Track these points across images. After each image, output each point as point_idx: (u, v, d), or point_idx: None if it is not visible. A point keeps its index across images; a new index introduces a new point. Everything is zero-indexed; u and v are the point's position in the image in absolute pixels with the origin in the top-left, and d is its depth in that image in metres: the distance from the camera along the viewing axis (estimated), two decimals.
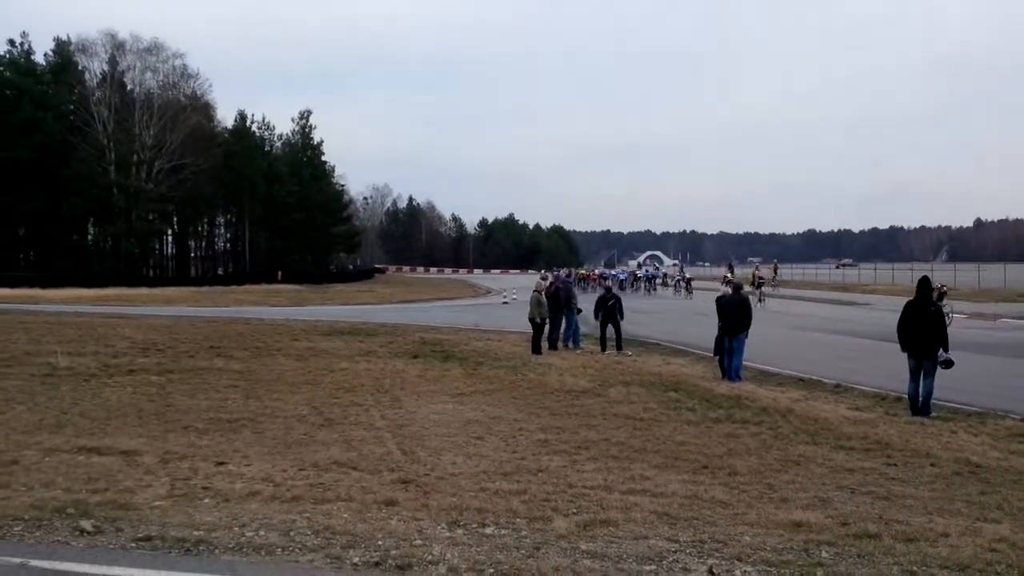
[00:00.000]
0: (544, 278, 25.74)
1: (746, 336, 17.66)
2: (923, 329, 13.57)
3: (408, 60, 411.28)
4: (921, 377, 13.55)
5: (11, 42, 76.53)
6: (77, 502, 7.52)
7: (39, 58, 79.16)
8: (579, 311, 24.34)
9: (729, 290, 18.68)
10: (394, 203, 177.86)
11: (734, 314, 17.67)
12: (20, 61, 75.80)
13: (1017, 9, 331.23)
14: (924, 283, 14.35)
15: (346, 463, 9.49)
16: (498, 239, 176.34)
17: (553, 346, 22.93)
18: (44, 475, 8.62)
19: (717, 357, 18.27)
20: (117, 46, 77.41)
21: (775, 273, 65.82)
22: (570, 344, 23.67)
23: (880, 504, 8.12)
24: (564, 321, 23.85)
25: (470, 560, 6.19)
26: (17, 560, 6.01)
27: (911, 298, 14.33)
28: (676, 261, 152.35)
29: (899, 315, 14.23)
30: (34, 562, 5.98)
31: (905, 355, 13.93)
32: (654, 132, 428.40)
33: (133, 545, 6.48)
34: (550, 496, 8.13)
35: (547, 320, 22.86)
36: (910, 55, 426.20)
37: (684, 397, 14.96)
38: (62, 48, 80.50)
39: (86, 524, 6.87)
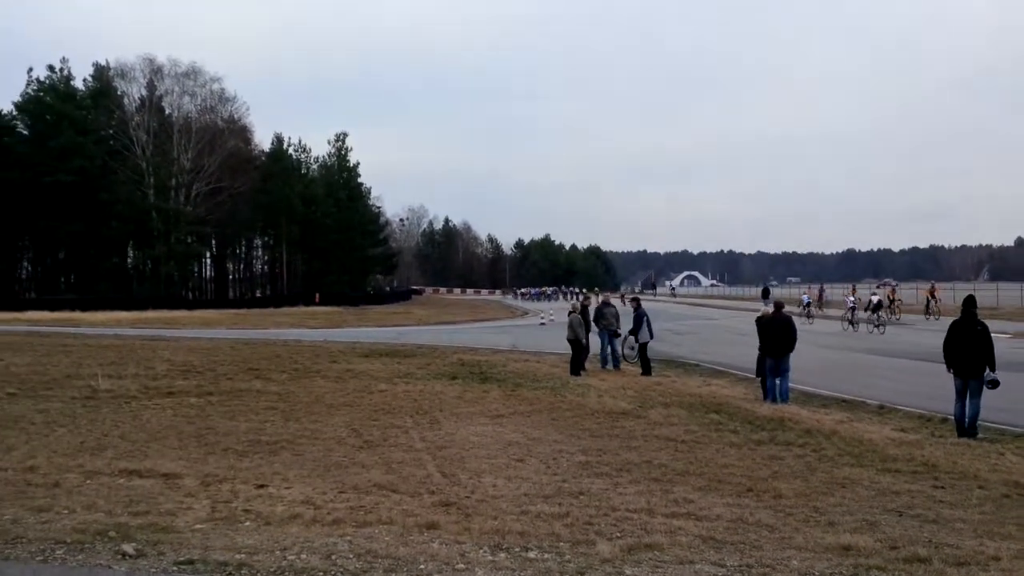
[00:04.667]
0: (580, 299, 25.69)
1: (789, 357, 17.44)
2: (969, 348, 13.37)
3: (444, 80, 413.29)
4: (967, 397, 13.34)
5: (51, 68, 77.95)
6: (119, 525, 7.52)
7: (79, 83, 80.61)
8: (618, 334, 24.08)
9: (770, 310, 18.51)
10: (430, 224, 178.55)
11: (778, 335, 17.45)
12: (60, 87, 77.05)
13: None
14: (969, 302, 14.15)
15: (386, 485, 9.44)
16: (534, 260, 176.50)
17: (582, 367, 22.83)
18: (86, 498, 8.64)
19: (759, 378, 18.06)
20: (155, 71, 78.63)
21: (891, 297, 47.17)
22: (608, 366, 23.53)
23: (929, 527, 7.96)
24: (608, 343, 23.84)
25: None
26: None
27: (956, 318, 14.13)
28: (714, 281, 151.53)
29: (944, 335, 14.04)
30: None
31: (951, 375, 13.73)
32: (692, 150, 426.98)
33: (175, 569, 6.45)
34: (592, 519, 8.03)
35: (586, 341, 22.80)
36: (950, 70, 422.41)
37: (726, 419, 14.81)
38: (101, 73, 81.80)
39: (128, 548, 6.86)
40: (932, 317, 41.35)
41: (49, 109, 74.02)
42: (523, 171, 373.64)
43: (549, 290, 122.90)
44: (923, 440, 12.87)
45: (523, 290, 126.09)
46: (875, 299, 39.18)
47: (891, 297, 46.72)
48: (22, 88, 78.06)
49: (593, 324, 24.37)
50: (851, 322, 39.78)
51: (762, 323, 18.19)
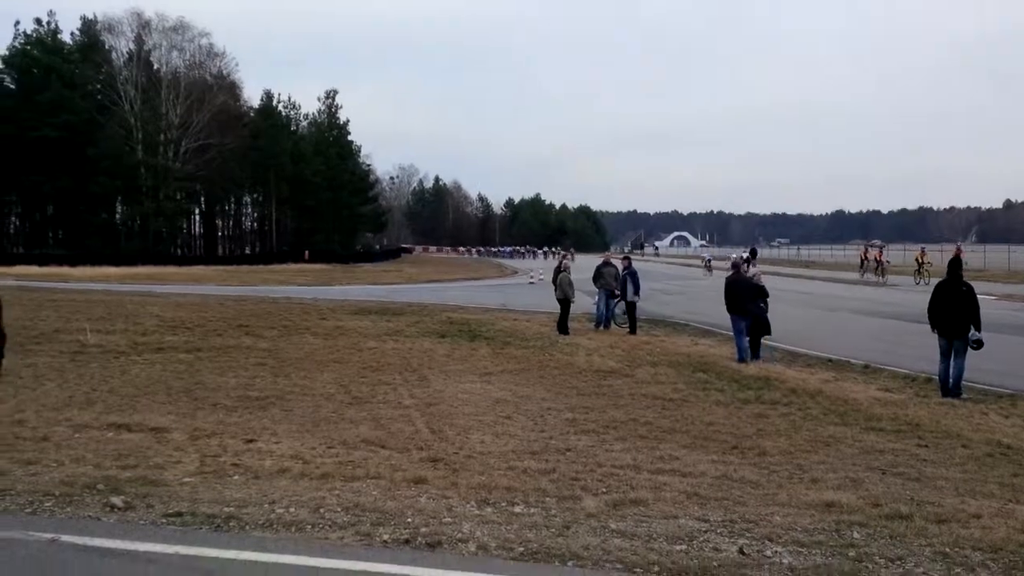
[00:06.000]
0: (563, 257, 25.55)
1: (750, 318, 17.51)
2: (954, 309, 13.43)
3: (436, 41, 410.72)
4: (952, 357, 13.43)
5: (38, 21, 76.96)
6: (107, 478, 7.57)
7: (66, 37, 79.60)
8: (616, 295, 23.82)
9: (758, 271, 18.62)
10: (420, 183, 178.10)
11: (738, 295, 17.64)
12: (47, 40, 76.09)
13: None
14: (955, 263, 14.20)
15: (375, 441, 9.50)
16: (524, 219, 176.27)
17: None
18: (74, 451, 8.68)
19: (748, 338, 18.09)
20: (143, 25, 77.79)
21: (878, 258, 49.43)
22: (602, 326, 23.52)
23: (912, 485, 8.05)
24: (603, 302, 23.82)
25: (499, 538, 6.18)
26: (48, 535, 6.04)
27: (942, 279, 14.19)
28: (703, 242, 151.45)
29: (930, 296, 14.11)
30: (65, 537, 6.02)
31: (935, 336, 13.81)
32: (682, 113, 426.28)
33: (163, 521, 6.51)
34: (579, 475, 8.11)
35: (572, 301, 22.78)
36: (939, 34, 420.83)
37: (713, 378, 14.88)
38: (89, 27, 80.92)
39: (116, 500, 6.91)
40: (923, 280, 41.21)
41: (36, 63, 73.15)
42: (515, 132, 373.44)
43: (522, 249, 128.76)
44: (907, 400, 12.96)
45: (495, 249, 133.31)
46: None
47: (878, 259, 47.06)
48: (8, 42, 77.35)
49: (592, 283, 24.37)
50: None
51: (726, 283, 18.28)
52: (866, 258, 48.39)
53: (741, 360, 16.92)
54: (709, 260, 63.08)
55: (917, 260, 43.38)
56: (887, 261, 48.29)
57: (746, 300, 17.55)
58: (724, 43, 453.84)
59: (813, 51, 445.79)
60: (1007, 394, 13.51)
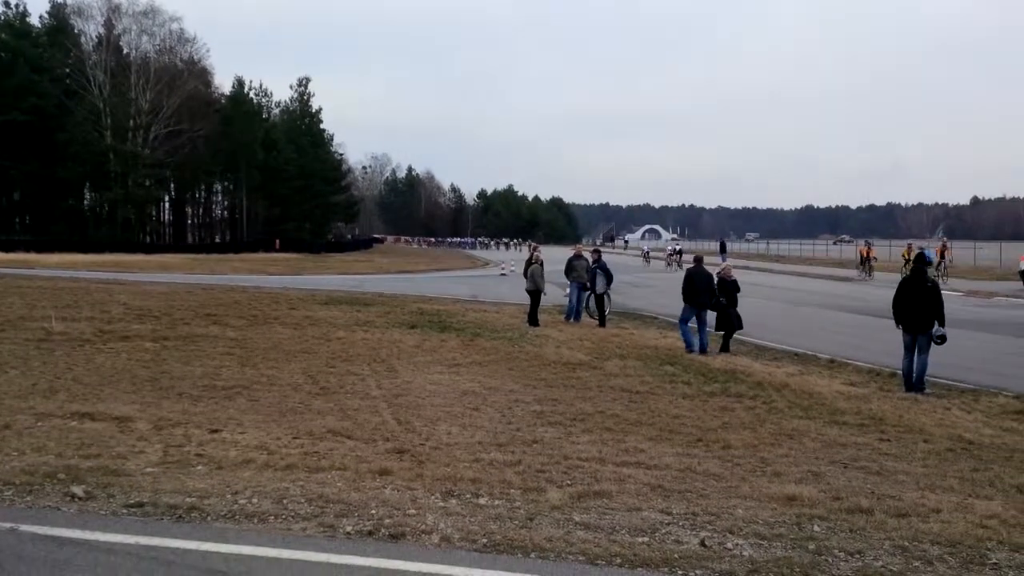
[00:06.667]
0: (535, 249, 25.48)
1: (704, 311, 17.93)
2: (919, 304, 13.55)
3: (407, 27, 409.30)
4: (916, 353, 13.56)
5: (6, 3, 75.93)
6: (69, 467, 7.52)
7: (34, 20, 78.77)
8: (587, 287, 23.74)
9: (729, 264, 18.82)
10: (393, 173, 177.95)
11: (700, 288, 17.93)
12: (15, 23, 75.17)
13: None
14: (920, 259, 14.38)
15: (341, 432, 9.48)
16: (497, 210, 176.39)
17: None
18: (36, 440, 8.61)
19: (721, 332, 18.22)
20: (113, 9, 76.93)
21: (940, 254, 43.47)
22: (572, 319, 23.50)
23: (873, 479, 8.14)
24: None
25: (463, 530, 6.19)
26: (7, 525, 6.00)
27: (907, 274, 14.32)
28: (675, 235, 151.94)
29: (895, 291, 14.24)
30: (24, 527, 5.98)
31: (900, 331, 13.95)
32: (655, 103, 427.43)
33: (124, 511, 6.48)
34: (544, 467, 8.14)
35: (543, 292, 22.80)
36: (910, 30, 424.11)
37: (680, 371, 14.96)
38: (57, 10, 79.96)
39: (77, 490, 6.86)
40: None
41: (3, 46, 72.12)
42: (489, 122, 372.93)
43: (469, 240, 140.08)
44: (871, 394, 13.08)
45: (449, 240, 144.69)
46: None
47: (865, 254, 46.91)
48: None
49: (564, 276, 24.38)
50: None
51: (686, 274, 18.63)
52: (867, 256, 47.28)
53: (689, 350, 17.28)
54: (647, 252, 73.52)
55: (904, 256, 43.18)
56: (874, 258, 48.25)
57: (703, 292, 17.83)
58: (700, 28, 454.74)
59: (784, 45, 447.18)
60: (969, 389, 13.65)
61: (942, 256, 42.08)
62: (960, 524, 6.67)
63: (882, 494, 7.55)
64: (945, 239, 52.13)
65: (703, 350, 17.26)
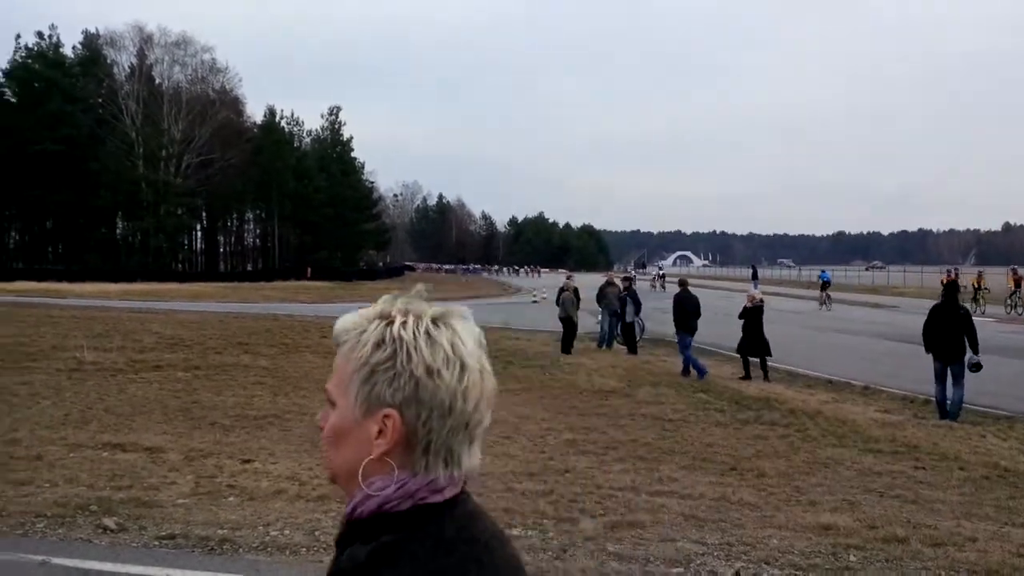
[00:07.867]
0: (569, 278, 25.52)
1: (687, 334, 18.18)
2: (949, 332, 13.35)
3: (441, 60, 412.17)
4: (949, 381, 13.33)
5: (40, 34, 76.98)
6: (101, 499, 7.52)
7: (67, 51, 79.63)
8: (618, 315, 23.71)
9: (757, 293, 18.94)
10: (424, 201, 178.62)
11: (685, 311, 18.34)
12: (48, 54, 76.14)
13: None
14: (951, 286, 14.20)
15: None
16: (528, 238, 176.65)
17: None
18: (68, 471, 8.63)
19: (742, 356, 18.16)
20: (145, 39, 77.87)
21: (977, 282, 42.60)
22: (604, 346, 23.48)
23: (908, 508, 8.01)
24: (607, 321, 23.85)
25: None
26: (39, 558, 6.01)
27: (938, 301, 14.17)
28: (706, 262, 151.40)
29: (925, 318, 14.07)
30: (56, 560, 5.98)
31: (931, 357, 13.76)
32: (686, 131, 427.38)
33: (156, 543, 6.47)
34: (577, 497, 8.07)
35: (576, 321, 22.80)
36: (941, 56, 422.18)
37: (713, 398, 14.85)
38: (90, 41, 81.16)
39: (109, 522, 6.87)
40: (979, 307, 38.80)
41: (37, 76, 73.21)
42: (521, 150, 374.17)
43: (473, 266, 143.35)
44: (905, 422, 12.92)
45: (454, 267, 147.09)
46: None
47: (977, 284, 43.05)
48: (10, 55, 77.33)
49: (596, 303, 24.41)
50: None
51: (674, 300, 19.07)
52: (978, 285, 41.60)
53: (685, 373, 17.58)
54: (663, 274, 71.90)
55: (973, 285, 41.46)
56: (986, 288, 42.43)
57: (692, 316, 18.20)
58: (732, 59, 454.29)
59: (812, 69, 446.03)
60: (1005, 416, 13.47)
61: (977, 287, 41.01)
62: (997, 553, 6.55)
63: (918, 523, 7.43)
64: (980, 269, 49.83)
65: (701, 372, 17.46)
